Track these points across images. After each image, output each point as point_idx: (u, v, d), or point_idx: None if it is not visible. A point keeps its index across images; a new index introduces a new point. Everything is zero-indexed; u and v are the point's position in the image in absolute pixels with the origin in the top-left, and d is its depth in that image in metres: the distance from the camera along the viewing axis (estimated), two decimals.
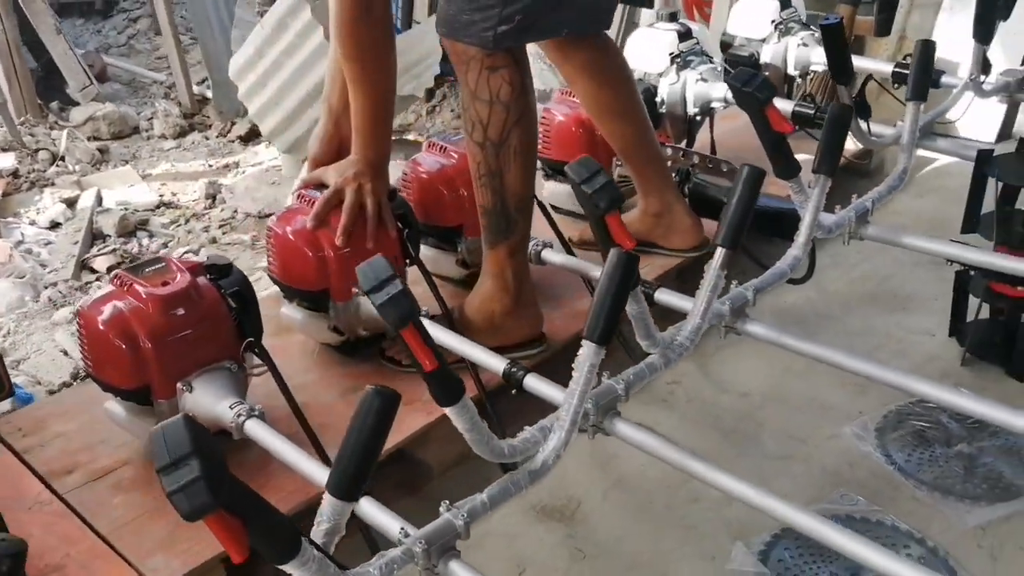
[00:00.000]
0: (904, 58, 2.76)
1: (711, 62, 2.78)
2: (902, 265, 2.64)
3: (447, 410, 1.30)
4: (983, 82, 2.58)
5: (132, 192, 3.93)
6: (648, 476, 1.89)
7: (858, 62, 3.00)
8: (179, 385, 1.65)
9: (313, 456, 1.58)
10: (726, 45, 3.14)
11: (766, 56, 3.03)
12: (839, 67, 2.14)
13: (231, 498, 0.97)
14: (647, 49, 2.77)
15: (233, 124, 4.62)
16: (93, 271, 3.35)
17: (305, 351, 2.09)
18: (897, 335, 2.33)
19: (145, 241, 3.56)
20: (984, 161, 2.16)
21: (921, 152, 2.79)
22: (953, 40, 3.55)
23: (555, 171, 2.55)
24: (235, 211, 3.65)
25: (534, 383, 1.64)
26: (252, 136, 4.51)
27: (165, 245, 3.51)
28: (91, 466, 1.76)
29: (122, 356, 1.62)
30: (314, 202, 1.93)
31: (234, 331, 1.71)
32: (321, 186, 1.97)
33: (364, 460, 1.14)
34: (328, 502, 1.17)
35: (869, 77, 2.81)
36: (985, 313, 2.24)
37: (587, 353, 1.40)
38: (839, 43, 2.11)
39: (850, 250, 2.65)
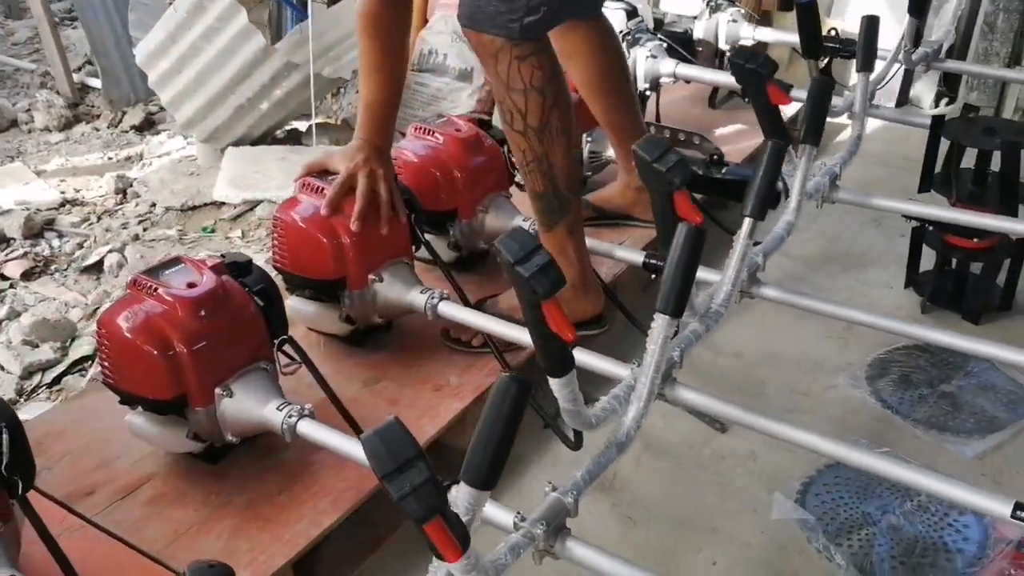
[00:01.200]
0: (828, 32, 2.91)
1: (658, 39, 2.84)
2: (848, 226, 2.79)
3: (555, 381, 1.30)
4: (911, 52, 2.74)
5: (29, 190, 3.69)
6: (672, 439, 1.95)
7: (782, 36, 3.17)
8: (217, 391, 1.58)
9: None
10: (659, 22, 3.22)
11: (699, 32, 3.12)
12: (810, 43, 2.23)
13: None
14: None
15: (124, 113, 4.39)
16: (5, 277, 3.14)
17: (308, 345, 2.02)
18: (861, 290, 2.47)
19: (56, 242, 3.35)
20: (938, 125, 2.31)
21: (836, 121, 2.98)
22: (852, 12, 3.79)
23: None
24: (152, 205, 3.49)
25: (584, 357, 1.67)
26: (148, 125, 4.31)
27: (80, 245, 3.32)
28: (113, 485, 1.67)
29: (155, 365, 1.53)
30: (321, 189, 1.89)
31: (264, 329, 1.66)
32: (324, 173, 1.92)
33: (501, 447, 1.13)
34: (465, 492, 1.15)
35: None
36: (939, 265, 2.41)
37: (661, 326, 1.43)
38: (812, 21, 2.20)
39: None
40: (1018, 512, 1.32)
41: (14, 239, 3.33)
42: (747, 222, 1.71)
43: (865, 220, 2.80)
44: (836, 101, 2.58)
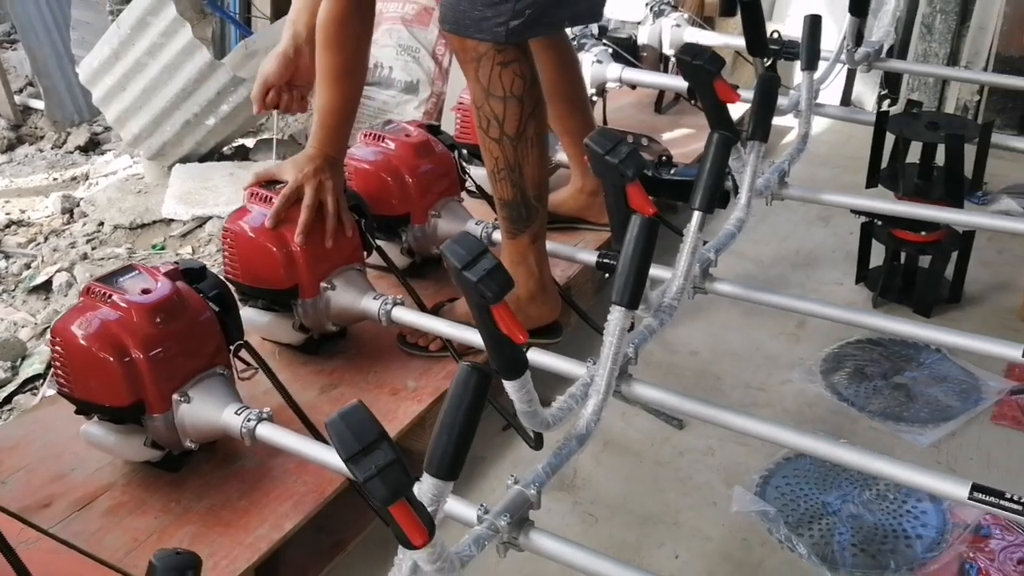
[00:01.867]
0: (771, 34, 2.97)
1: (603, 45, 2.88)
2: (796, 225, 2.83)
3: (510, 384, 1.30)
4: (854, 52, 2.80)
5: None
6: (632, 437, 1.96)
7: (726, 39, 3.22)
8: (175, 397, 1.57)
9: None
10: (603, 29, 3.25)
11: (643, 37, 3.17)
12: (755, 41, 2.28)
13: None
14: None
15: (68, 134, 4.33)
16: None
17: (264, 355, 2.00)
18: (812, 287, 2.51)
19: (2, 263, 3.30)
20: (883, 121, 2.36)
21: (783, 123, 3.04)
22: (793, 16, 3.87)
23: (476, 156, 2.54)
24: (100, 224, 3.44)
25: (538, 358, 1.67)
26: (93, 145, 4.26)
27: (28, 266, 3.27)
28: (70, 496, 1.63)
29: (111, 371, 1.51)
30: (269, 199, 1.87)
31: (220, 335, 1.64)
32: (272, 182, 1.91)
33: (463, 437, 1.13)
34: (428, 483, 1.15)
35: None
36: (888, 260, 2.46)
37: (617, 318, 1.44)
38: (756, 19, 2.25)
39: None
40: (975, 494, 1.34)
41: None
42: (696, 216, 1.73)
43: (813, 219, 2.85)
44: (782, 101, 2.65)
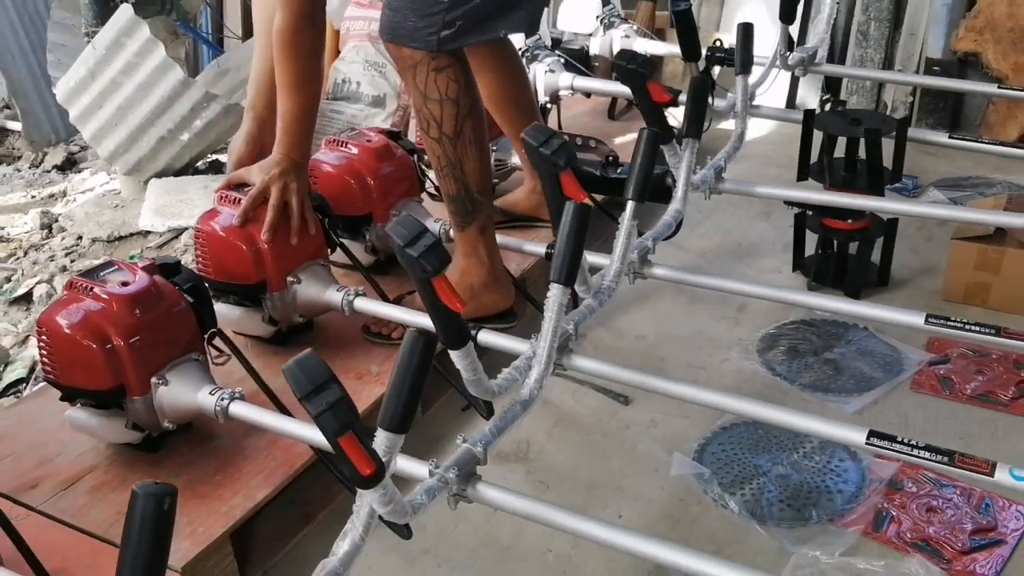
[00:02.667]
0: (714, 43, 3.16)
1: (555, 55, 3.05)
2: (739, 220, 3.01)
3: (455, 353, 1.45)
4: (787, 57, 2.98)
5: None
6: (581, 413, 2.11)
7: (675, 49, 3.39)
8: (153, 380, 1.71)
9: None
10: (557, 41, 3.43)
11: (594, 48, 3.35)
12: (689, 47, 2.44)
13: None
14: None
15: (46, 154, 4.46)
16: None
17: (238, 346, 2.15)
18: (752, 275, 2.67)
19: None
20: (810, 119, 2.54)
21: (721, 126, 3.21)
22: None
23: None
24: (79, 237, 3.57)
25: (488, 337, 1.83)
26: (70, 164, 4.38)
27: (8, 279, 3.39)
28: (56, 478, 1.77)
29: (94, 357, 1.65)
30: (238, 200, 2.02)
31: (195, 324, 1.79)
32: (241, 186, 2.06)
33: (412, 394, 1.28)
34: (383, 436, 1.29)
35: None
36: (821, 249, 2.63)
37: (555, 294, 1.59)
38: (689, 27, 2.42)
39: (691, 212, 3.00)
40: (871, 439, 1.51)
41: None
42: (630, 205, 1.89)
43: (756, 214, 3.02)
44: (720, 103, 2.83)
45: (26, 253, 3.55)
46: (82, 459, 1.81)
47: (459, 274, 2.14)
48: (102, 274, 1.73)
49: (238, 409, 1.68)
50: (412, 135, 2.79)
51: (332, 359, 2.08)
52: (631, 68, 2.06)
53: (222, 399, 1.68)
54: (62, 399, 1.75)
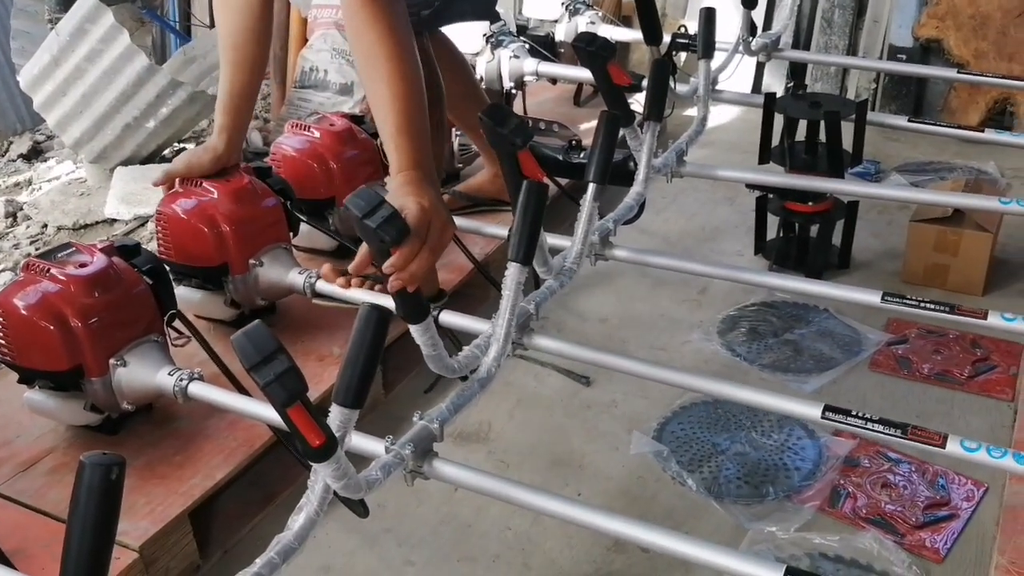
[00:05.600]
0: (678, 29, 3.17)
1: (520, 41, 3.05)
2: (703, 204, 3.03)
3: (414, 328, 1.46)
4: (750, 42, 3.01)
5: None
6: (543, 394, 2.13)
7: (639, 35, 3.41)
8: (112, 361, 1.70)
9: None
10: (523, 28, 3.44)
11: (560, 35, 3.36)
12: (650, 30, 2.45)
13: None
14: (464, 33, 3.00)
15: (11, 143, 4.42)
16: None
17: (200, 329, 2.15)
18: (715, 258, 2.70)
19: None
20: (771, 102, 2.57)
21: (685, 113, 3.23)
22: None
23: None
24: (44, 226, 3.54)
25: (449, 318, 1.84)
26: (35, 154, 4.34)
27: None
28: (13, 460, 1.76)
29: (52, 338, 1.65)
30: (200, 182, 2.02)
31: (154, 305, 1.78)
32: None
33: (366, 368, 1.29)
34: (337, 411, 1.29)
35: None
36: (782, 232, 2.66)
37: (513, 273, 1.60)
38: (650, 10, 2.43)
39: (655, 197, 3.03)
40: (827, 413, 1.53)
41: None
42: (591, 187, 1.90)
43: (720, 199, 3.05)
44: (683, 88, 2.84)
45: None
46: (41, 441, 1.80)
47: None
48: (60, 255, 1.72)
49: (197, 389, 1.68)
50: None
51: (294, 342, 2.10)
52: (591, 50, 2.07)
53: (181, 379, 1.68)
54: (19, 381, 1.74)
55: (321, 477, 1.26)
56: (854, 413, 1.51)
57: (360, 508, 1.37)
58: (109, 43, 3.41)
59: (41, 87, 3.57)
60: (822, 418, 1.55)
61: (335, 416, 1.29)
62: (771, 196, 2.61)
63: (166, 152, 4.00)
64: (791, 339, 2.31)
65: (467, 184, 2.65)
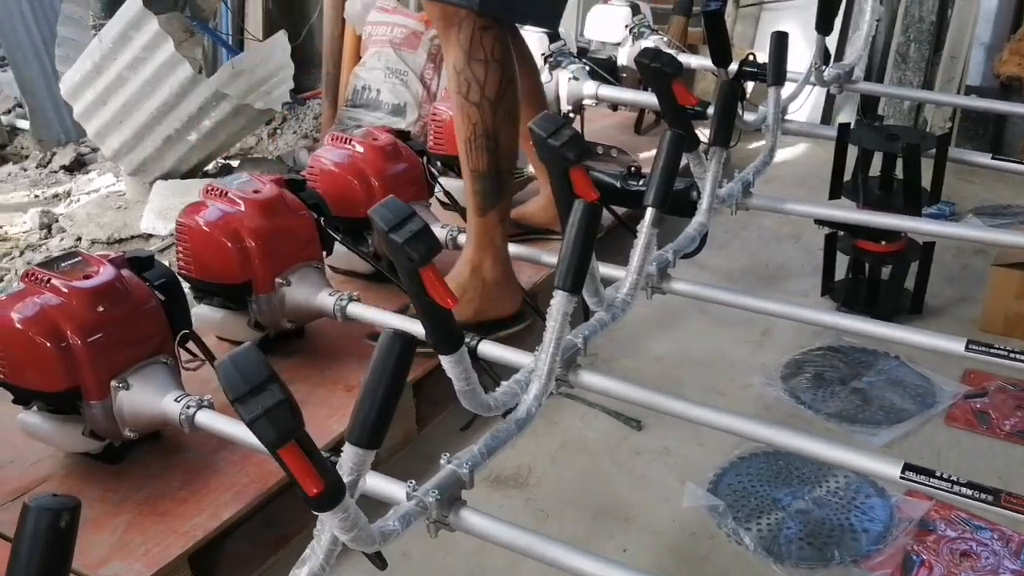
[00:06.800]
0: (746, 57, 2.99)
1: (580, 62, 2.90)
2: (766, 241, 2.84)
3: (446, 359, 1.29)
4: (823, 71, 2.82)
5: None
6: (589, 437, 1.94)
7: (706, 62, 3.24)
8: (113, 383, 1.55)
9: None
10: (583, 50, 3.29)
11: (622, 58, 3.20)
12: (719, 51, 2.29)
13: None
14: None
15: (54, 153, 4.35)
16: None
17: (219, 353, 2.00)
18: (779, 297, 2.49)
19: None
20: (845, 133, 2.38)
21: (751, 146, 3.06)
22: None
23: (448, 167, 2.58)
24: (78, 239, 3.43)
25: (489, 349, 1.67)
26: (78, 165, 4.26)
27: (1, 279, 3.26)
28: (4, 487, 1.61)
29: (47, 355, 1.49)
30: (225, 193, 1.89)
31: (165, 324, 1.63)
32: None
33: (386, 404, 1.12)
34: (350, 452, 1.13)
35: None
36: (852, 272, 2.46)
37: (559, 302, 1.43)
38: (719, 28, 2.26)
39: (717, 232, 2.84)
40: (906, 472, 1.33)
41: None
42: (649, 212, 1.73)
43: (785, 236, 2.86)
44: (750, 116, 2.66)
45: (22, 253, 3.42)
46: (36, 468, 1.65)
47: (470, 269, 1.97)
48: (63, 265, 1.58)
49: (205, 418, 1.53)
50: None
51: (321, 369, 1.94)
52: (655, 67, 1.91)
53: (188, 406, 1.53)
54: (15, 402, 1.60)
55: (328, 527, 1.10)
56: (939, 475, 1.31)
57: (377, 560, 1.20)
58: (153, 51, 3.30)
59: (82, 95, 3.48)
60: (901, 478, 1.35)
61: (348, 457, 1.13)
62: (841, 234, 2.42)
63: (208, 167, 3.90)
64: (859, 387, 2.11)
65: (518, 210, 2.49)
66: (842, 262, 2.47)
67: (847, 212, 2.27)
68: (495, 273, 1.97)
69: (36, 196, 3.97)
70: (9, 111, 4.82)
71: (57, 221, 3.61)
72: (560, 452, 1.91)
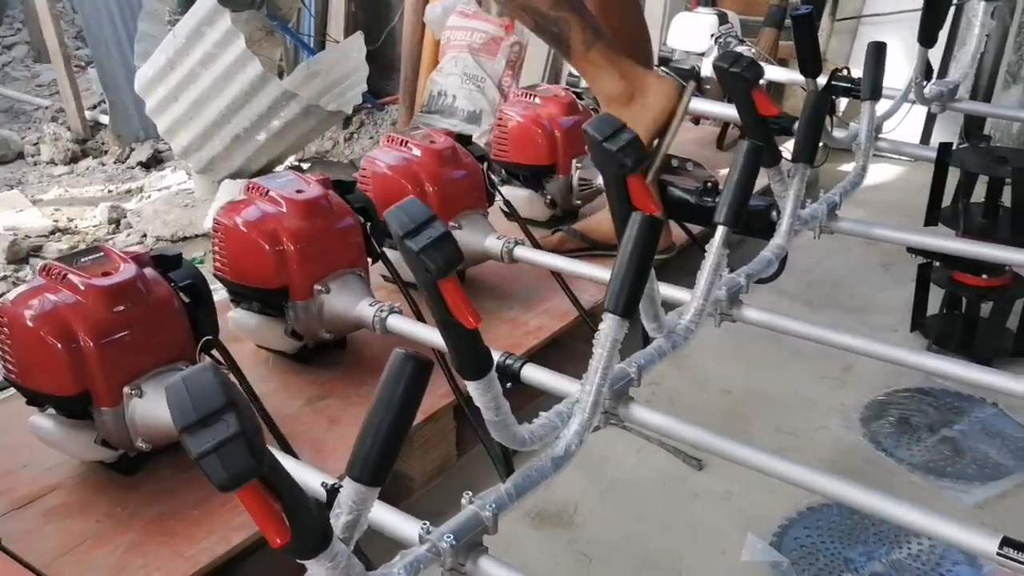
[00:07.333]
0: (839, 70, 2.78)
1: (661, 71, 2.73)
2: (853, 269, 2.63)
3: (472, 384, 1.14)
4: (924, 88, 2.60)
5: (21, 217, 3.64)
6: (642, 475, 1.78)
7: (796, 76, 3.04)
8: (126, 390, 1.44)
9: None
10: (666, 59, 3.12)
11: (706, 69, 3.02)
12: (808, 57, 2.10)
13: (268, 467, 0.80)
14: None
15: (132, 149, 4.36)
16: None
17: (258, 360, 1.89)
18: (863, 332, 2.28)
19: None
20: (946, 153, 2.16)
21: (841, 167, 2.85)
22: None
23: (512, 175, 2.45)
24: (144, 235, 3.40)
25: (533, 373, 1.51)
26: (155, 162, 4.27)
27: None
28: (12, 494, 1.52)
29: (57, 357, 1.39)
30: (267, 192, 1.78)
31: (188, 329, 1.52)
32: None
33: (393, 436, 0.98)
34: (350, 489, 0.99)
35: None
36: (947, 307, 2.24)
37: (610, 327, 1.27)
38: (809, 35, 2.08)
39: (800, 256, 2.64)
40: (1004, 548, 1.14)
41: None
42: (720, 230, 1.56)
43: (874, 263, 2.64)
44: (842, 134, 2.46)
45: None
46: (48, 474, 1.56)
47: (613, 105, 2.06)
48: (83, 260, 1.48)
49: None
50: None
51: (360, 384, 1.82)
52: (734, 71, 1.73)
53: None
54: (28, 403, 1.50)
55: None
56: None
57: None
58: (224, 48, 3.26)
59: (154, 91, 3.46)
60: (998, 554, 1.15)
61: (347, 495, 0.99)
62: (937, 264, 2.20)
63: (278, 169, 3.84)
64: (950, 436, 1.90)
65: (585, 223, 2.35)
66: (936, 296, 2.25)
67: (945, 241, 2.05)
68: (621, 88, 2.05)
69: (110, 191, 3.98)
70: (95, 107, 4.88)
71: (125, 217, 3.59)
72: (611, 489, 1.74)
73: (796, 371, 2.11)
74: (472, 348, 1.11)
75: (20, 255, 3.29)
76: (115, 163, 4.32)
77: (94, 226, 3.57)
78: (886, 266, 2.62)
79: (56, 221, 3.61)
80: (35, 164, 4.33)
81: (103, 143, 4.55)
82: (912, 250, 2.16)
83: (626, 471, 1.80)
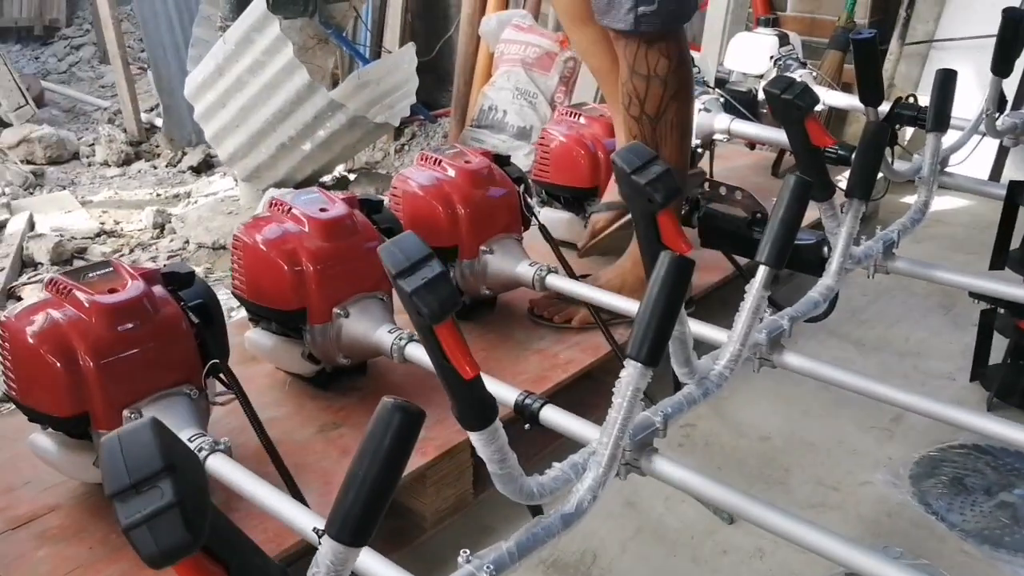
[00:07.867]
0: (905, 98, 2.64)
1: (714, 93, 2.63)
2: (910, 309, 2.48)
3: (474, 435, 1.06)
4: (996, 120, 2.45)
5: (69, 219, 3.64)
6: (669, 526, 1.66)
7: (857, 102, 2.91)
8: (126, 413, 1.38)
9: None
10: (722, 81, 3.01)
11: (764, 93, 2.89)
12: (869, 84, 1.98)
13: (214, 536, 0.72)
14: None
15: (184, 153, 4.36)
16: (20, 300, 3.05)
17: (274, 383, 1.83)
18: (916, 379, 2.15)
19: None
20: (1017, 192, 2.02)
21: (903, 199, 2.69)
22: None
23: (553, 197, 2.36)
24: (186, 241, 3.38)
25: (553, 416, 1.42)
26: (205, 167, 4.26)
27: None
28: (10, 512, 1.47)
29: (56, 376, 1.34)
30: (290, 209, 1.71)
31: (195, 351, 1.46)
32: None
33: (377, 493, 0.90)
34: (328, 548, 0.91)
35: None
36: (1011, 357, 2.08)
37: (631, 375, 1.17)
38: (871, 58, 1.96)
39: (853, 293, 2.51)
40: None
41: (41, 264, 3.26)
42: (762, 270, 1.45)
43: (933, 305, 2.49)
44: (904, 167, 2.33)
45: (132, 251, 3.39)
46: (48, 494, 1.51)
47: (632, 262, 2.01)
48: (91, 275, 1.43)
49: (217, 465, 1.33)
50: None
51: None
52: (786, 98, 1.63)
53: (201, 448, 1.34)
54: (30, 420, 1.45)
55: None
56: None
57: None
58: (272, 55, 3.22)
59: (203, 96, 3.44)
60: None
61: (324, 554, 0.91)
62: (1001, 311, 2.05)
63: (325, 179, 3.80)
64: (1009, 501, 1.75)
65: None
66: (1000, 344, 2.10)
67: (1011, 287, 1.91)
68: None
69: (159, 195, 3.98)
70: (151, 110, 4.90)
71: (170, 222, 3.57)
72: (634, 540, 1.64)
73: (841, 418, 1.99)
74: (470, 397, 1.03)
75: (64, 256, 3.29)
76: (167, 167, 4.33)
77: (139, 230, 3.56)
78: (946, 308, 2.48)
79: (103, 223, 3.61)
80: (89, 165, 4.36)
81: (156, 146, 4.57)
82: (975, 295, 2.03)
83: (652, 520, 1.69)
